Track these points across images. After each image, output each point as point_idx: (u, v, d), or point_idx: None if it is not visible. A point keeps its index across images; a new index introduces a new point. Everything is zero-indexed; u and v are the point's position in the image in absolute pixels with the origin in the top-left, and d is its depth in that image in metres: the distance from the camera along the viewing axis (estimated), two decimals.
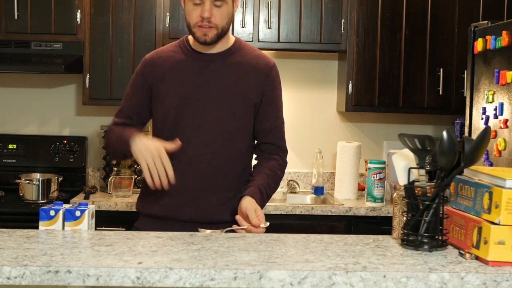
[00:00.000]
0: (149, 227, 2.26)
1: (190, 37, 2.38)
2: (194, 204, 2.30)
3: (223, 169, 2.32)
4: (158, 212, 2.33)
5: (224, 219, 2.30)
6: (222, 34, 2.28)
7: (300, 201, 3.88)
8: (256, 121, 2.37)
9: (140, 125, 2.40)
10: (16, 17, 3.63)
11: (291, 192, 3.99)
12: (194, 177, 2.29)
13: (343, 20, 3.75)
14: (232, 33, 3.66)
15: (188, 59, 2.34)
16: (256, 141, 2.42)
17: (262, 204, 2.23)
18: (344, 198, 3.75)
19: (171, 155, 2.27)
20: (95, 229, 2.02)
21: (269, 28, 3.73)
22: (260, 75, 2.35)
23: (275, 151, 2.39)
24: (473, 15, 3.73)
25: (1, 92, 4.07)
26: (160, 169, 2.12)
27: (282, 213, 3.47)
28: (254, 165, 2.38)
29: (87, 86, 3.70)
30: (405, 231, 1.78)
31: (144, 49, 3.52)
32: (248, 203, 2.16)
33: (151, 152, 2.12)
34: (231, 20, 2.31)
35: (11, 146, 3.91)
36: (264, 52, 2.51)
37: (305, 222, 3.48)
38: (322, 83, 4.14)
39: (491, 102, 3.02)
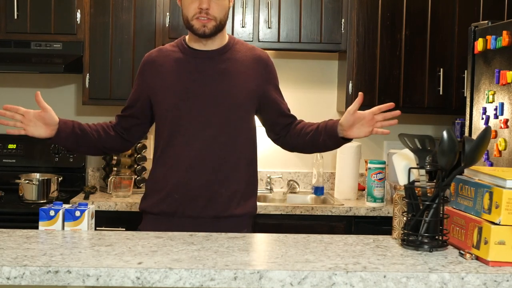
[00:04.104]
0: (156, 226, 2.24)
1: (187, 37, 2.40)
2: (204, 198, 2.29)
3: (231, 161, 2.32)
4: (167, 209, 2.32)
5: (237, 212, 2.32)
6: (220, 27, 2.30)
7: (300, 201, 3.88)
8: (271, 109, 2.42)
9: (136, 120, 2.42)
10: (16, 17, 3.63)
11: (291, 192, 3.99)
12: (202, 171, 2.29)
13: (343, 20, 3.75)
14: (232, 33, 3.69)
15: (186, 57, 2.36)
16: (279, 125, 2.44)
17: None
18: (344, 198, 3.75)
19: (178, 150, 2.28)
20: (95, 229, 2.02)
21: (269, 28, 3.73)
22: (260, 66, 2.40)
23: (296, 120, 2.49)
24: (473, 15, 3.73)
25: (1, 92, 4.07)
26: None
27: (282, 213, 3.47)
28: (302, 126, 2.42)
29: (87, 86, 3.70)
30: (405, 231, 1.78)
31: (144, 49, 3.52)
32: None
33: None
34: (228, 14, 2.35)
35: (11, 146, 3.91)
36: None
37: (305, 222, 3.48)
38: (322, 83, 4.14)
39: (491, 102, 3.02)
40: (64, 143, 2.34)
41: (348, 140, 2.31)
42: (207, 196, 2.29)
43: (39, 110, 2.24)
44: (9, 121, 2.25)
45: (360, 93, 2.21)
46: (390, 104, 2.19)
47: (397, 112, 2.20)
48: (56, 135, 2.28)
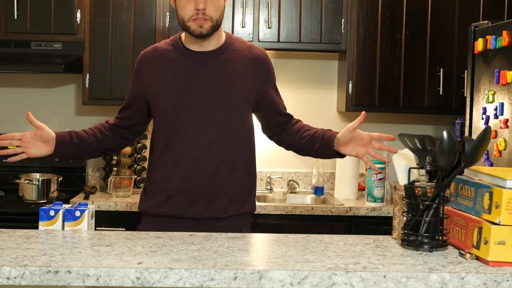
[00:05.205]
0: (155, 227, 2.23)
1: (183, 35, 2.38)
2: (204, 201, 2.30)
3: (229, 162, 2.32)
4: (167, 211, 2.31)
5: (236, 212, 2.33)
6: (216, 27, 2.29)
7: (300, 201, 3.88)
8: (268, 108, 2.41)
9: (135, 120, 2.42)
10: (16, 17, 3.63)
11: (291, 192, 3.99)
12: (201, 173, 2.29)
13: (343, 20, 3.75)
14: (232, 33, 3.68)
15: (182, 58, 2.34)
16: (275, 123, 2.44)
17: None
18: (344, 198, 3.75)
19: (178, 152, 2.28)
20: (95, 229, 2.02)
21: (269, 28, 3.73)
22: (257, 66, 2.38)
23: (293, 119, 2.47)
24: (473, 15, 3.73)
25: (1, 92, 4.07)
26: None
27: (282, 213, 3.47)
28: (299, 128, 2.40)
29: (87, 86, 3.70)
30: (405, 231, 1.78)
31: (144, 49, 3.51)
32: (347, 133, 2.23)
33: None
34: (223, 14, 2.33)
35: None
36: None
37: (305, 222, 3.48)
38: (322, 83, 4.14)
39: (491, 102, 3.01)
40: (64, 155, 2.35)
41: (342, 155, 2.30)
42: (207, 198, 2.30)
43: (34, 130, 2.26)
44: (9, 150, 2.25)
45: (363, 112, 2.20)
46: (391, 137, 2.18)
47: (391, 137, 2.19)
48: (56, 150, 2.29)
